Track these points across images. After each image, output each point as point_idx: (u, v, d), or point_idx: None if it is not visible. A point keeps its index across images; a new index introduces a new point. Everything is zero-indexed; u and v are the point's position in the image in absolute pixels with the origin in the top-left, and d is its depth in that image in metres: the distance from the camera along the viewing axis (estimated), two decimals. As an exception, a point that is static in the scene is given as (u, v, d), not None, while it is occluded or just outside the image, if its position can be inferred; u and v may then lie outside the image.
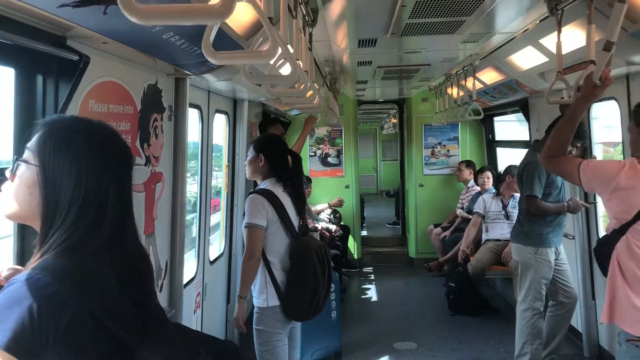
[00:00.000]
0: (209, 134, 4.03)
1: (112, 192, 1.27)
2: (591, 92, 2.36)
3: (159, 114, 2.93)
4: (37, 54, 1.79)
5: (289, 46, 1.88)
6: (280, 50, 1.23)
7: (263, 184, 3.15)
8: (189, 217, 3.82)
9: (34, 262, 1.21)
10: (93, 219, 1.24)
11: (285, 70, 1.99)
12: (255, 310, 3.08)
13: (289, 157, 3.25)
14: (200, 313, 3.98)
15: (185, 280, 3.58)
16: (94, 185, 1.24)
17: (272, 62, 2.23)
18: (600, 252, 2.51)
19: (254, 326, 3.07)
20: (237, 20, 2.32)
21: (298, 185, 3.24)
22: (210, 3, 0.83)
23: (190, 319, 3.74)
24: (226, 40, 2.32)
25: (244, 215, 3.11)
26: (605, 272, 2.48)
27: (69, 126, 1.28)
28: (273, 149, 3.22)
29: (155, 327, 1.34)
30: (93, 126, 1.32)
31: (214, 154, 4.39)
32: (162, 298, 3.07)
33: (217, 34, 2.24)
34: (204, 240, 4.00)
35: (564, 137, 2.52)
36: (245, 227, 3.01)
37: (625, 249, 2.31)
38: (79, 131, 1.28)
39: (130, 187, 1.37)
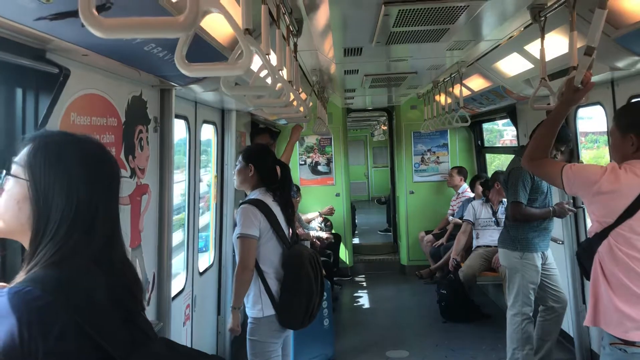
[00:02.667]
0: (196, 144, 4.01)
1: (102, 206, 1.28)
2: (572, 95, 2.38)
3: (144, 126, 2.91)
4: (15, 67, 1.78)
5: (270, 56, 1.87)
6: (256, 58, 1.22)
7: (253, 194, 3.15)
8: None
9: (22, 275, 1.20)
10: (83, 233, 1.24)
11: (271, 80, 1.98)
12: (249, 321, 3.06)
13: (277, 167, 3.26)
14: (190, 325, 3.95)
15: (174, 293, 3.55)
16: (85, 200, 1.24)
17: (256, 72, 2.23)
18: (583, 256, 2.53)
19: (248, 337, 3.06)
20: (221, 31, 2.32)
21: (287, 195, 3.26)
22: (175, 17, 0.83)
23: (180, 332, 3.70)
24: (209, 51, 2.32)
25: (234, 226, 3.11)
26: (587, 275, 2.50)
27: (59, 141, 1.29)
28: (262, 159, 3.23)
29: (143, 342, 1.33)
30: (83, 141, 1.32)
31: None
32: (150, 311, 3.04)
33: (199, 45, 2.24)
34: (192, 251, 3.97)
35: (546, 139, 2.53)
36: (237, 237, 3.00)
37: (607, 252, 2.33)
38: (70, 145, 1.28)
39: (118, 201, 1.37)
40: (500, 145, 9.91)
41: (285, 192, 3.25)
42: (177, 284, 3.79)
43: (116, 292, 1.29)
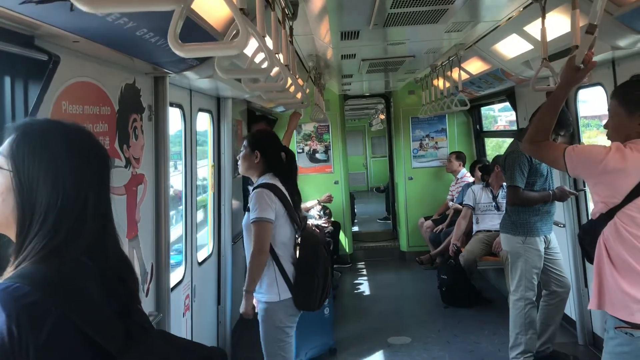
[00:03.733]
0: (191, 133, 3.95)
1: (91, 196, 1.24)
2: (574, 75, 2.32)
3: (138, 114, 2.86)
4: (2, 54, 1.72)
5: (265, 39, 1.82)
6: (252, 41, 1.17)
7: (263, 179, 3.13)
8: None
9: (10, 271, 1.16)
10: (72, 224, 1.20)
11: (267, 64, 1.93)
12: (264, 307, 3.06)
13: (283, 153, 3.26)
14: (190, 316, 3.92)
15: (173, 283, 3.52)
16: (73, 190, 1.20)
17: (250, 56, 2.18)
18: (585, 239, 2.47)
19: (263, 323, 3.06)
20: (214, 14, 2.26)
21: (294, 181, 3.26)
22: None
23: (180, 323, 3.67)
24: (202, 35, 2.26)
25: (246, 210, 3.10)
26: (589, 258, 2.46)
27: (44, 129, 1.24)
28: (268, 145, 3.22)
29: (139, 335, 1.30)
30: (69, 128, 1.28)
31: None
32: (149, 302, 3.00)
33: (192, 28, 2.18)
34: (191, 241, 3.93)
35: (547, 121, 2.46)
36: (253, 221, 2.99)
37: (613, 233, 2.27)
38: (55, 134, 1.23)
39: (109, 191, 1.33)
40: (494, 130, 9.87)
41: (292, 178, 3.25)
42: (176, 274, 3.76)
43: (110, 286, 1.26)
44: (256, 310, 3.19)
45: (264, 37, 1.81)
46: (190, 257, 3.94)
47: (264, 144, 3.19)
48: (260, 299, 3.09)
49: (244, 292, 3.07)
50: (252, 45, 1.81)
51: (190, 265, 3.95)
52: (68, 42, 1.98)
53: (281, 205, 3.05)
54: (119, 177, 2.62)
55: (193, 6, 2.06)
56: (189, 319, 3.90)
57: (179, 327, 3.64)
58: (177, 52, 1.07)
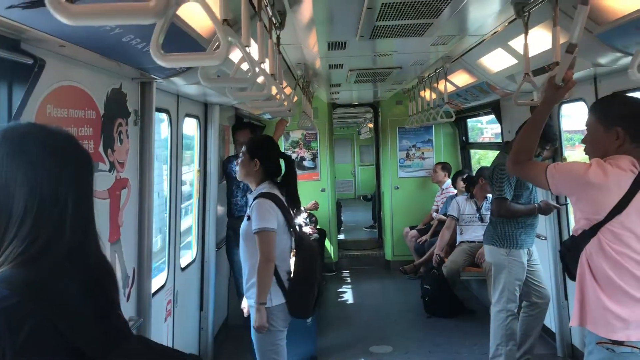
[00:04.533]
0: (178, 138, 3.96)
1: (71, 200, 1.23)
2: (554, 93, 2.35)
3: (124, 119, 2.87)
4: (-13, 57, 1.73)
5: (251, 49, 1.84)
6: (236, 53, 1.19)
7: (262, 188, 3.14)
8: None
9: None
10: (52, 228, 1.19)
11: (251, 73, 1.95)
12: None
13: (282, 159, 3.28)
14: (172, 321, 3.91)
15: (155, 288, 3.51)
16: (51, 193, 1.20)
17: (236, 64, 2.20)
18: (567, 255, 2.46)
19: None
20: (201, 22, 2.28)
21: (294, 189, 3.27)
22: (145, 2, 0.80)
23: (161, 328, 3.66)
24: (189, 43, 2.28)
25: (245, 218, 3.11)
26: (571, 275, 2.43)
27: (24, 132, 1.24)
28: (268, 153, 3.23)
29: (119, 340, 1.31)
30: (49, 132, 1.28)
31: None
32: (130, 307, 3.00)
33: (179, 37, 2.20)
34: (174, 246, 3.93)
35: (530, 141, 2.47)
36: (257, 232, 2.99)
37: (596, 250, 2.25)
38: (34, 137, 1.23)
39: (91, 195, 1.33)
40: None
41: (292, 186, 3.25)
42: (158, 279, 3.75)
43: (90, 290, 1.26)
44: (245, 315, 3.23)
45: (248, 46, 1.84)
46: (173, 262, 3.93)
47: (263, 152, 3.19)
48: (252, 304, 3.10)
49: (255, 305, 3.00)
50: (239, 53, 1.83)
51: (173, 271, 3.94)
52: (54, 46, 1.99)
53: (282, 215, 3.09)
54: (102, 181, 2.62)
55: (181, 14, 2.09)
56: (170, 324, 3.89)
57: (160, 332, 3.63)
58: (159, 62, 1.09)
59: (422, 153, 8.11)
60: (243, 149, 3.23)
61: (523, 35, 2.91)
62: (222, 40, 1.11)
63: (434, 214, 7.22)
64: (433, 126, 7.92)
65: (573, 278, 2.42)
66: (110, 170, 2.70)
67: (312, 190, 7.92)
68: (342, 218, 11.14)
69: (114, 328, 1.31)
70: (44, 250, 1.17)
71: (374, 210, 10.73)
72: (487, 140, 10.10)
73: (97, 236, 1.33)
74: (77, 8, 0.77)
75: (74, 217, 1.23)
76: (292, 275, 3.11)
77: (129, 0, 0.83)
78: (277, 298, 3.05)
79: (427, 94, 5.81)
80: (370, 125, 13.10)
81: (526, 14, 2.84)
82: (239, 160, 3.23)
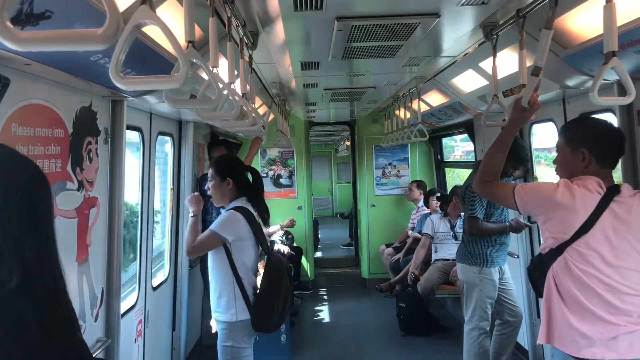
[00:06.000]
0: (150, 156, 3.93)
1: (21, 224, 1.15)
2: (520, 115, 2.39)
3: (94, 137, 2.84)
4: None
5: (217, 68, 1.85)
6: (190, 74, 1.19)
7: (236, 203, 3.19)
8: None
9: None
10: (6, 256, 1.12)
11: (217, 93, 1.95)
12: (222, 327, 3.09)
13: (249, 172, 3.34)
14: (142, 342, 3.85)
15: (125, 308, 3.46)
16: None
17: (204, 85, 2.20)
18: (535, 272, 2.49)
19: (221, 344, 3.09)
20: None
21: (261, 199, 3.32)
22: (94, 29, 0.80)
23: (131, 349, 3.60)
24: (159, 63, 2.28)
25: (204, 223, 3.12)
26: (538, 292, 2.47)
27: None
28: (237, 169, 3.29)
29: None
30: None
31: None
32: (98, 327, 2.95)
33: (149, 56, 2.20)
34: (145, 266, 3.88)
35: (496, 161, 2.50)
36: (209, 231, 3.08)
37: (562, 269, 2.29)
38: None
39: (50, 218, 1.25)
40: (451, 159, 10.07)
41: (260, 197, 3.31)
42: (129, 299, 3.70)
43: (48, 314, 1.21)
44: (213, 331, 3.22)
45: (215, 67, 1.84)
46: (144, 282, 3.88)
47: (233, 170, 3.25)
48: (217, 318, 3.13)
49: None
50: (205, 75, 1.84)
51: (144, 290, 3.89)
52: (19, 64, 1.98)
53: (248, 230, 3.11)
54: (70, 200, 2.59)
55: (149, 32, 2.09)
56: (141, 344, 3.82)
57: (130, 353, 3.57)
58: (118, 85, 1.09)
59: (398, 171, 8.17)
60: (210, 173, 3.24)
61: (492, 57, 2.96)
62: (181, 63, 1.11)
63: (410, 232, 7.25)
64: (409, 145, 7.99)
65: (540, 295, 2.45)
66: (78, 189, 2.67)
67: (289, 208, 7.92)
68: (319, 236, 11.13)
69: (73, 351, 1.27)
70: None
71: (350, 227, 10.73)
72: (458, 157, 10.20)
73: (58, 261, 1.24)
74: (25, 34, 0.77)
75: (27, 245, 1.15)
76: (258, 290, 3.13)
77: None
78: (242, 313, 3.06)
79: (402, 113, 5.87)
80: (348, 142, 13.15)
81: (494, 37, 2.90)
82: (211, 185, 3.24)
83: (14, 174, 1.16)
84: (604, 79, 2.01)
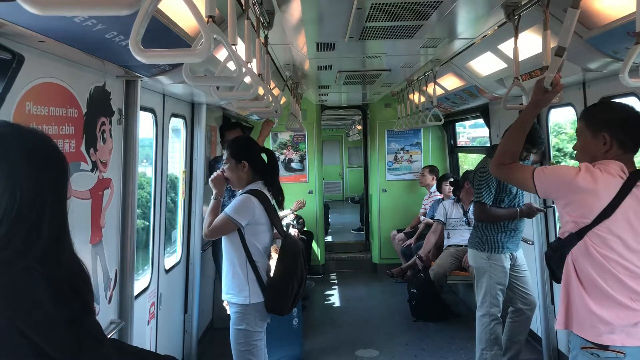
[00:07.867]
0: (163, 138, 3.90)
1: (49, 204, 1.21)
2: (542, 97, 2.33)
3: (107, 118, 2.81)
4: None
5: (237, 48, 1.80)
6: (218, 50, 1.15)
7: (253, 186, 3.17)
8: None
9: None
10: (27, 232, 1.17)
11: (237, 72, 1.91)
12: (235, 310, 3.09)
13: (264, 154, 3.33)
14: (155, 324, 3.85)
15: (138, 290, 3.45)
16: (30, 197, 1.17)
17: (222, 63, 2.15)
18: (552, 257, 2.45)
19: (233, 327, 3.10)
20: (187, 19, 2.23)
21: (277, 181, 3.30)
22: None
23: (144, 330, 3.60)
24: (175, 41, 2.23)
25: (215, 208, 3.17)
26: (555, 277, 2.43)
27: (3, 133, 1.21)
28: (252, 152, 3.25)
29: (90, 344, 1.29)
30: (28, 133, 1.25)
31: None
32: (112, 309, 2.94)
33: (164, 32, 2.15)
34: (158, 248, 3.87)
35: (515, 143, 2.45)
36: (224, 215, 3.07)
37: (583, 253, 2.25)
38: (15, 138, 1.21)
39: (66, 200, 1.30)
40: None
41: (275, 178, 3.29)
42: (142, 281, 3.70)
43: (61, 295, 1.23)
44: (228, 312, 3.21)
45: (234, 44, 1.79)
46: (157, 264, 3.87)
47: (248, 153, 3.21)
48: (229, 300, 3.13)
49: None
50: (225, 53, 1.79)
51: (157, 273, 3.88)
52: (34, 41, 1.94)
53: (264, 213, 3.10)
54: (84, 181, 2.56)
55: (167, 11, 2.05)
56: (153, 327, 3.82)
57: (142, 335, 3.57)
58: (138, 57, 1.05)
59: (411, 156, 8.10)
60: (225, 155, 3.20)
61: (512, 39, 2.89)
62: (204, 37, 1.07)
63: (422, 217, 7.21)
64: (422, 129, 7.91)
65: (558, 281, 2.41)
66: (92, 170, 2.64)
67: (300, 192, 7.88)
68: (329, 220, 11.11)
69: (86, 332, 1.29)
70: (17, 254, 1.16)
71: (361, 212, 10.71)
72: (463, 143, 10.13)
73: (70, 242, 1.31)
74: (47, -3, 0.73)
75: (50, 222, 1.22)
76: (272, 272, 3.13)
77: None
78: (255, 296, 3.05)
79: (416, 97, 5.80)
80: (359, 127, 13.08)
81: (516, 17, 2.83)
82: (226, 167, 3.20)
83: (50, 158, 1.27)
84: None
